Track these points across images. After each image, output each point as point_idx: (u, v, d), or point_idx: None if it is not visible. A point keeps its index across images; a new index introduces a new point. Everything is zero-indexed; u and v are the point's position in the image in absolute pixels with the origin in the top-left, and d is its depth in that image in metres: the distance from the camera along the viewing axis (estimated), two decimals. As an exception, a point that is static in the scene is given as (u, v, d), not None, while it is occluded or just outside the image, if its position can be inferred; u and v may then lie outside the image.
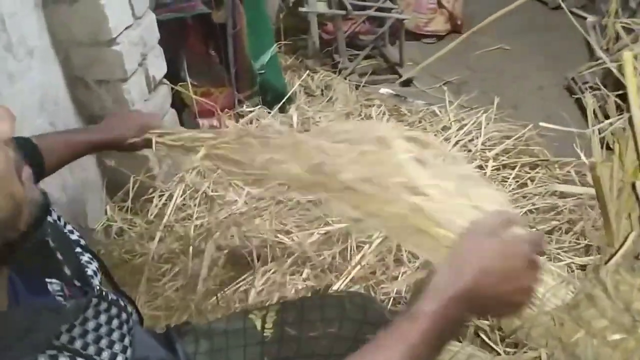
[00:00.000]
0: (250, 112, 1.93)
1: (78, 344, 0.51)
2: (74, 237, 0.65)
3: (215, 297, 1.27)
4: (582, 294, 0.59)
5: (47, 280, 0.55)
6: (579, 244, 1.43)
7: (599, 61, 2.31)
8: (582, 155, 0.59)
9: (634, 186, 0.42)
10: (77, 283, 0.57)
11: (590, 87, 2.34)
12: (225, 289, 1.31)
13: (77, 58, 1.44)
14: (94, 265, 0.64)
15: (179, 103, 1.86)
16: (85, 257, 0.63)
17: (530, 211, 1.55)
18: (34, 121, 1.31)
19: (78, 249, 0.62)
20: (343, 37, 2.63)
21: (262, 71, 1.95)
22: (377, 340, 0.53)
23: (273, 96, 2.01)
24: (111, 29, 1.39)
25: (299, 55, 2.71)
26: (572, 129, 0.57)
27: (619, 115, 0.55)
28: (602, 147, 0.52)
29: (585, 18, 3.07)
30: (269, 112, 1.95)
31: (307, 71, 2.45)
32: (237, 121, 1.92)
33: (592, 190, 0.51)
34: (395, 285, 1.24)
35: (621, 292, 0.52)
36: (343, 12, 2.55)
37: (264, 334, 0.84)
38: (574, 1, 3.34)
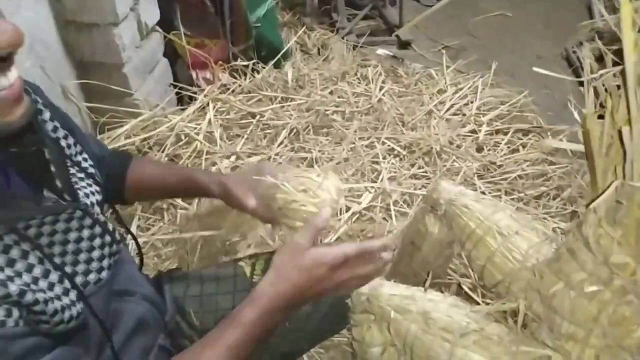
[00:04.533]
0: (245, 66, 1.90)
1: (44, 241, 0.53)
2: (86, 164, 0.67)
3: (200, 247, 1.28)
4: (563, 248, 0.60)
5: (45, 192, 0.56)
6: (566, 209, 1.46)
7: (594, 20, 2.30)
8: (575, 114, 0.59)
9: (620, 134, 0.42)
10: (67, 197, 0.58)
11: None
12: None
13: (69, 1, 1.40)
14: (93, 188, 0.64)
15: (171, 53, 1.82)
16: (87, 182, 0.64)
17: (520, 177, 1.57)
18: (23, 63, 1.28)
19: (82, 175, 0.63)
20: (342, -5, 2.57)
21: (258, 24, 1.90)
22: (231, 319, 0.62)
23: (268, 51, 1.97)
24: (103, -29, 1.35)
25: (296, 12, 2.65)
26: (565, 76, 0.56)
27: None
28: (595, 105, 0.52)
29: (589, -12, 3.02)
30: (264, 67, 1.92)
31: (304, 28, 2.40)
32: (230, 75, 1.89)
33: (582, 147, 0.51)
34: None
35: (601, 246, 0.53)
36: (344, -31, 2.48)
37: (253, 280, 0.84)
38: (579, -30, 3.28)
